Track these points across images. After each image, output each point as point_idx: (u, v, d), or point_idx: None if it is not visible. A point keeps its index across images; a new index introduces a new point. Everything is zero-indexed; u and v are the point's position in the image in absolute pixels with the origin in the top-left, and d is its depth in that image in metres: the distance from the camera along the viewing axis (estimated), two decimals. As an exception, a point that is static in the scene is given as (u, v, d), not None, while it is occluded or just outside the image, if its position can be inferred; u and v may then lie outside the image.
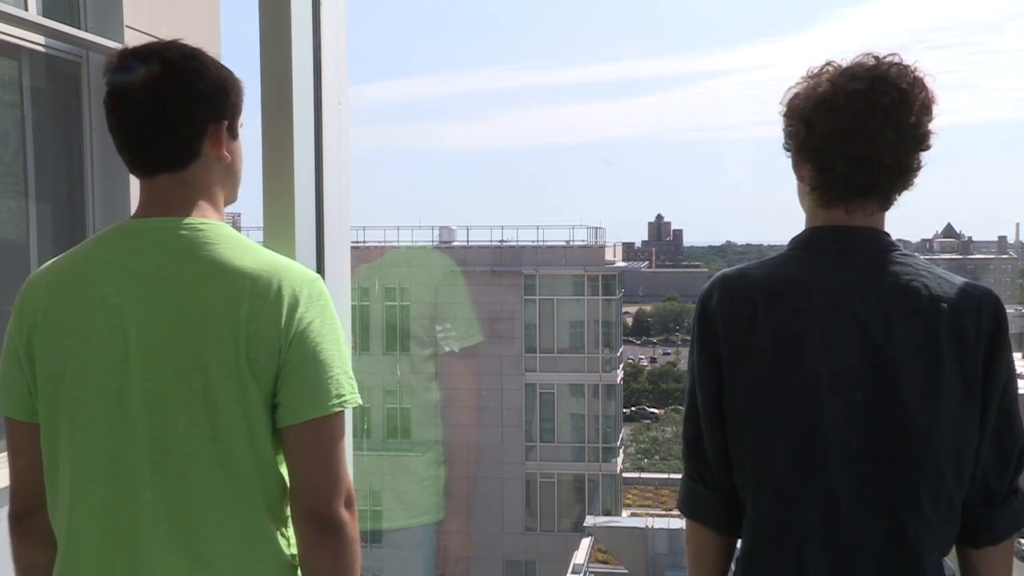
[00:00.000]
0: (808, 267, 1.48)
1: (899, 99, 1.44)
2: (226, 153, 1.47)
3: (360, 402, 1.43)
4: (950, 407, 1.40)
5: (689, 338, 1.60)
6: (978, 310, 1.43)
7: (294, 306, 1.36)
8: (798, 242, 1.54)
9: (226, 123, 1.46)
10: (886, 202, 1.51)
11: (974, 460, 1.44)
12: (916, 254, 1.51)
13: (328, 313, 1.42)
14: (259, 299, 1.35)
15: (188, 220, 1.41)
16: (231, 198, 1.54)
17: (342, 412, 1.39)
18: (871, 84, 1.44)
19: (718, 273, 1.56)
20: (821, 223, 1.52)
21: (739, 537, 1.53)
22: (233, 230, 1.44)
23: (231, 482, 1.35)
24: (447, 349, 3.31)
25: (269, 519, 1.38)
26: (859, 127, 1.44)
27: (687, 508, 1.58)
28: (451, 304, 3.37)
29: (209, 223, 1.42)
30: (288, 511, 1.41)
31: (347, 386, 1.39)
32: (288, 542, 1.41)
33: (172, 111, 1.40)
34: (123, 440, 1.35)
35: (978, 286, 1.46)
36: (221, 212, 1.49)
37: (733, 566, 1.56)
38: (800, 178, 1.56)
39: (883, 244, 1.49)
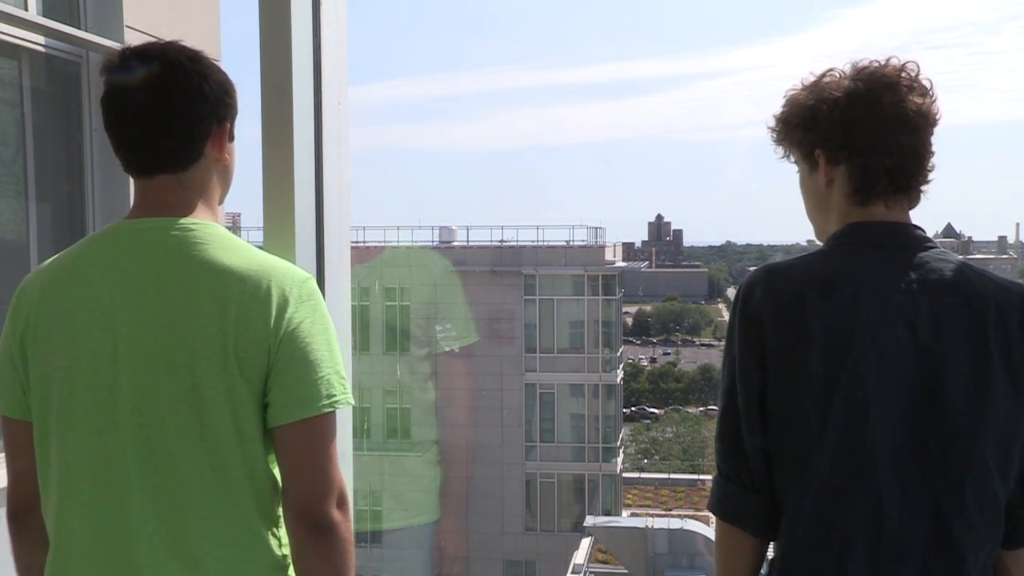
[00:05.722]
0: (853, 263, 1.46)
1: (924, 91, 1.48)
2: (226, 155, 1.49)
3: (352, 403, 1.42)
4: (997, 405, 1.39)
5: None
6: (1021, 307, 1.43)
7: (283, 306, 1.36)
8: (840, 238, 1.51)
9: (228, 125, 1.48)
10: (916, 197, 1.52)
11: (1019, 458, 1.42)
12: (949, 251, 1.50)
13: (319, 313, 1.41)
14: (248, 299, 1.35)
15: (181, 221, 1.41)
16: (221, 201, 1.55)
17: (333, 412, 1.39)
18: (900, 78, 1.48)
19: (759, 267, 1.53)
20: (858, 220, 1.51)
21: (774, 539, 1.49)
22: (225, 230, 1.44)
23: (220, 481, 1.35)
24: (445, 348, 3.32)
25: (259, 519, 1.38)
26: (902, 117, 1.46)
27: (722, 510, 1.52)
28: (447, 304, 3.37)
29: (201, 223, 1.42)
30: (280, 511, 1.41)
31: (338, 386, 1.39)
32: (279, 542, 1.41)
33: (179, 112, 1.41)
34: (112, 439, 1.35)
35: (1017, 283, 1.46)
36: (216, 213, 1.49)
37: (765, 568, 1.53)
38: (827, 182, 1.53)
39: (921, 239, 1.49)
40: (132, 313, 1.36)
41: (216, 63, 1.47)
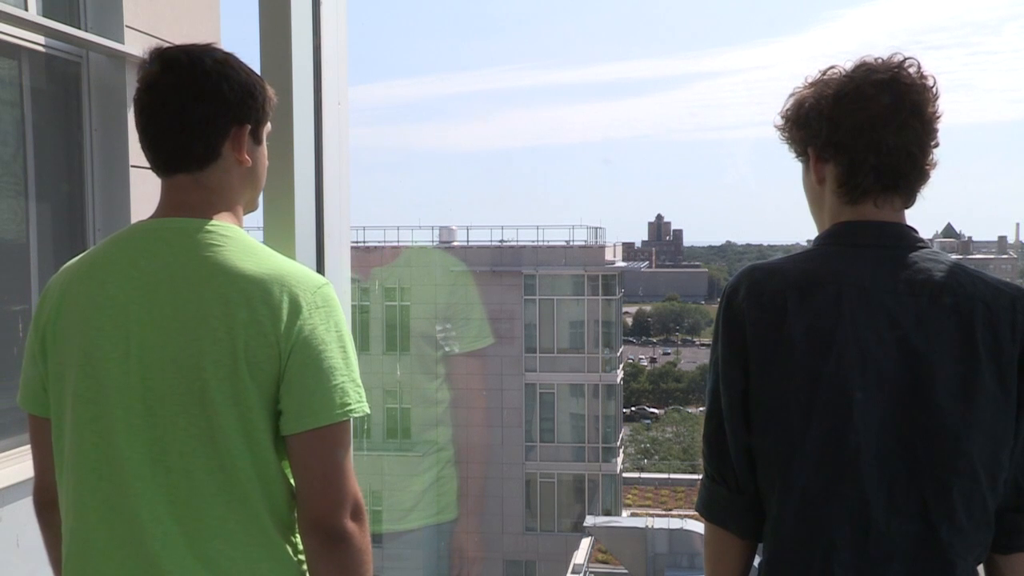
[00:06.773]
0: (839, 262, 1.44)
1: (920, 89, 1.45)
2: (247, 157, 1.45)
3: (368, 411, 1.39)
4: (985, 407, 1.36)
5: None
6: (1012, 308, 1.40)
7: (296, 312, 1.34)
8: (827, 237, 1.50)
9: (249, 127, 1.45)
10: (910, 197, 1.49)
11: (1008, 463, 1.40)
12: (943, 251, 1.48)
13: (334, 320, 1.38)
14: (260, 303, 1.33)
15: (200, 222, 1.40)
16: (251, 206, 1.53)
17: (347, 421, 1.36)
18: (894, 75, 1.45)
19: (745, 267, 1.51)
20: (848, 219, 1.49)
21: (761, 541, 1.48)
22: (244, 234, 1.43)
23: (231, 484, 1.34)
24: (456, 350, 3.32)
25: (273, 523, 1.37)
26: (889, 116, 1.43)
27: (708, 512, 1.51)
28: (464, 305, 3.38)
29: (219, 225, 1.41)
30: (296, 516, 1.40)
31: (353, 395, 1.36)
32: (296, 548, 1.40)
33: (194, 112, 1.40)
34: (123, 438, 1.35)
35: (1011, 284, 1.44)
36: (238, 217, 1.47)
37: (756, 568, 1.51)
38: (819, 180, 1.52)
39: (912, 239, 1.47)
40: (145, 313, 1.36)
41: (248, 66, 1.46)
